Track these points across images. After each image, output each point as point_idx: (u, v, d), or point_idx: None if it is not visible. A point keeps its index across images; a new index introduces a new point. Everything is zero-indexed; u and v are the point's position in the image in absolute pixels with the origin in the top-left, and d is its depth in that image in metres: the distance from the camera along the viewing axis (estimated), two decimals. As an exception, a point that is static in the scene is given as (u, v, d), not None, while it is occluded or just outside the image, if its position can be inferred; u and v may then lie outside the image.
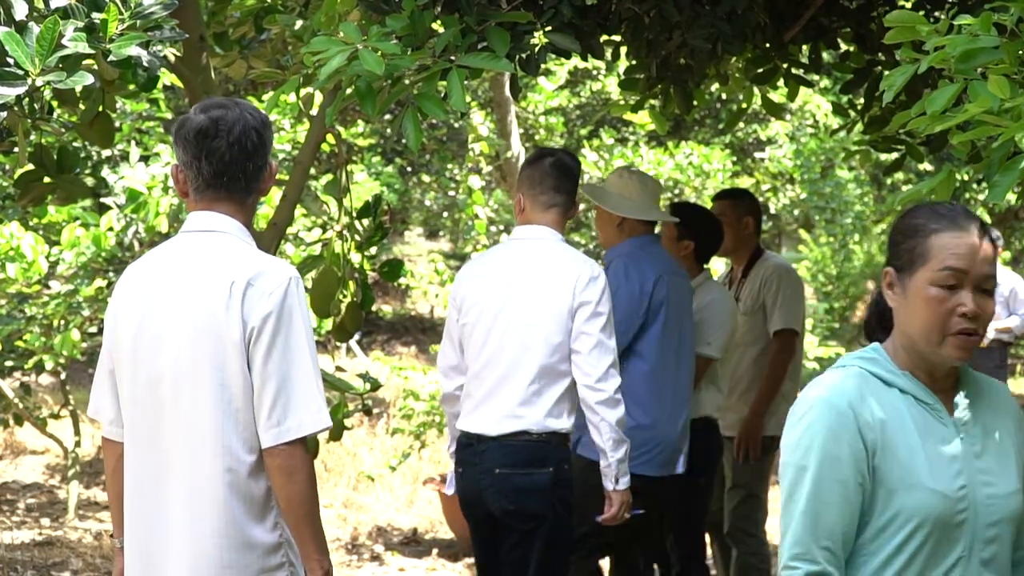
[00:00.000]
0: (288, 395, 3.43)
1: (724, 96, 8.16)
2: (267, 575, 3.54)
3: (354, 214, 6.40)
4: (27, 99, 5.05)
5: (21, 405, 9.72)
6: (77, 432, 10.12)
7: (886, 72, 4.15)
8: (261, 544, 3.53)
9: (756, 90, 7.07)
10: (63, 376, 10.13)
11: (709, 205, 7.55)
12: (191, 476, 3.55)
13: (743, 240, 7.05)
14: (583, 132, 20.22)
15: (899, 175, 15.76)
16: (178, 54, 5.60)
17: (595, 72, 20.30)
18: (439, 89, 4.48)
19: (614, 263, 5.99)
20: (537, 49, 5.00)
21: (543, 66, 5.83)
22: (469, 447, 5.32)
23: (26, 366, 9.33)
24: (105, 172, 8.72)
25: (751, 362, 6.92)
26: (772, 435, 6.74)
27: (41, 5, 4.58)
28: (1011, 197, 16.46)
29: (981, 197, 18.87)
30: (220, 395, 3.49)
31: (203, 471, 3.53)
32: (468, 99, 16.34)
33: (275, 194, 8.13)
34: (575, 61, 17.86)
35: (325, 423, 3.51)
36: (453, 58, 4.44)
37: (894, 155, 6.75)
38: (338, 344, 17.91)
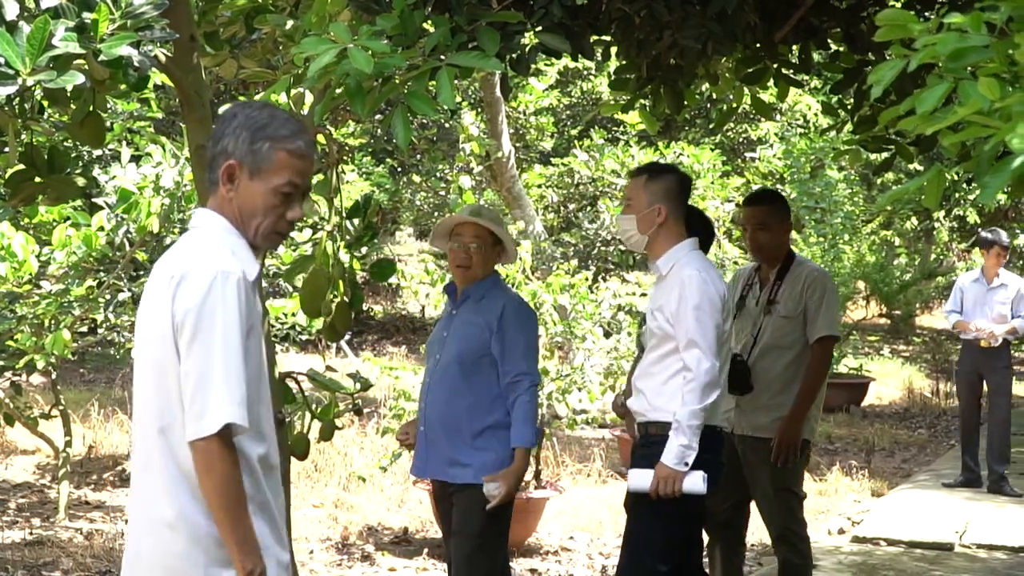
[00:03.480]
0: (206, 390, 3.44)
1: (714, 96, 8.15)
2: (217, 569, 3.54)
3: (344, 214, 6.40)
4: (18, 99, 5.05)
5: (12, 405, 9.71)
6: (68, 432, 10.11)
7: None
8: (208, 536, 3.53)
9: (746, 90, 7.08)
10: (54, 376, 10.11)
11: (701, 204, 7.53)
12: (145, 468, 3.64)
13: (782, 244, 6.93)
14: (573, 132, 20.27)
15: (889, 175, 15.81)
16: (169, 54, 5.59)
17: (585, 72, 20.34)
18: (429, 88, 4.48)
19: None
20: (527, 49, 5.01)
21: (533, 66, 5.84)
22: None
23: (17, 366, 9.31)
24: (96, 172, 8.74)
25: (785, 366, 6.79)
26: (806, 438, 6.77)
27: (32, 5, 4.58)
28: (1001, 197, 16.41)
29: (971, 197, 18.93)
30: (160, 388, 3.58)
31: (153, 464, 3.60)
32: (458, 99, 16.36)
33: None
34: (565, 61, 17.91)
35: (228, 418, 3.44)
36: (443, 57, 4.45)
37: (884, 155, 6.76)
38: (328, 344, 17.93)
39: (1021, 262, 24.46)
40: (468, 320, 6.02)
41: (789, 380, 6.76)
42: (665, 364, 5.64)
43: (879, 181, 18.91)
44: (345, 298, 6.14)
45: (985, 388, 11.95)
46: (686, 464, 5.44)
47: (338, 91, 4.53)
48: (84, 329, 10.44)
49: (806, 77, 9.18)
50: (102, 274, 9.31)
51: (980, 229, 22.15)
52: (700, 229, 6.16)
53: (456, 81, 4.48)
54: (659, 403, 5.62)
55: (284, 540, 3.74)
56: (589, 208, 18.75)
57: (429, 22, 4.66)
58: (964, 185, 18.23)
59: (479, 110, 16.01)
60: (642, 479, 5.54)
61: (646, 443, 5.69)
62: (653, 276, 5.98)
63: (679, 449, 5.44)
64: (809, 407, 6.77)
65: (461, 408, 5.98)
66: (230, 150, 3.64)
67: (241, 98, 13.68)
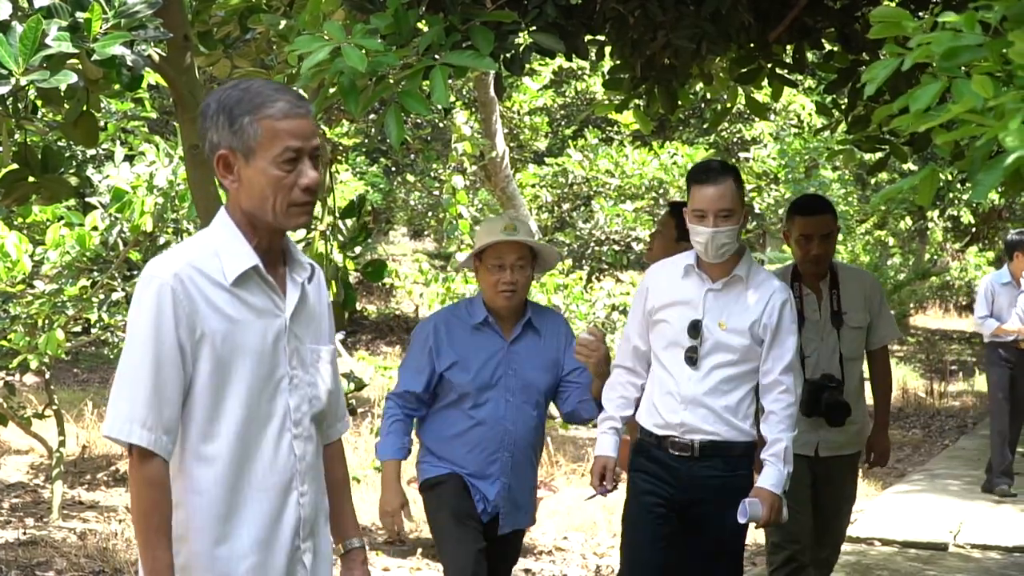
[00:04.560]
0: (112, 397, 3.33)
1: (708, 96, 8.14)
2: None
3: (338, 214, 6.40)
4: (11, 98, 5.04)
5: (5, 404, 9.70)
6: (61, 432, 10.10)
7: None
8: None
9: (740, 90, 7.09)
10: (47, 376, 10.10)
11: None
12: None
13: (832, 252, 6.58)
14: (568, 132, 20.27)
15: (883, 175, 15.79)
16: (162, 53, 5.59)
17: (580, 72, 20.33)
18: (423, 87, 4.48)
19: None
20: (522, 49, 5.01)
21: (528, 66, 5.83)
22: None
23: (10, 366, 9.30)
24: (90, 171, 8.72)
25: (859, 378, 6.62)
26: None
27: (25, 4, 4.58)
28: (994, 197, 16.39)
29: (965, 197, 18.94)
30: None
31: None
32: (452, 98, 16.36)
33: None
34: (559, 61, 17.90)
35: (113, 432, 3.29)
36: (437, 56, 4.45)
37: (878, 155, 6.77)
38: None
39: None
40: (539, 350, 5.70)
41: (859, 392, 6.60)
42: (743, 380, 5.29)
43: (873, 181, 18.91)
44: (338, 298, 6.14)
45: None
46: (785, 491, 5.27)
47: (332, 90, 4.53)
48: (78, 329, 10.42)
49: (800, 77, 9.19)
50: (96, 274, 9.30)
51: (981, 231, 22.15)
52: None
53: (450, 81, 4.48)
54: (736, 422, 5.28)
55: None
56: (583, 208, 18.74)
57: (423, 21, 4.66)
58: (958, 185, 18.22)
59: (473, 110, 15.98)
60: (756, 508, 5.19)
61: (733, 467, 5.34)
62: (704, 283, 5.36)
63: (786, 476, 5.24)
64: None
65: (538, 449, 5.83)
66: (216, 140, 3.39)
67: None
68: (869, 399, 6.77)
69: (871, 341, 6.60)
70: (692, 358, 5.27)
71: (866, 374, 6.77)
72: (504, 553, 5.78)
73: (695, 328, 5.27)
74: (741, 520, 5.21)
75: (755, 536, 8.69)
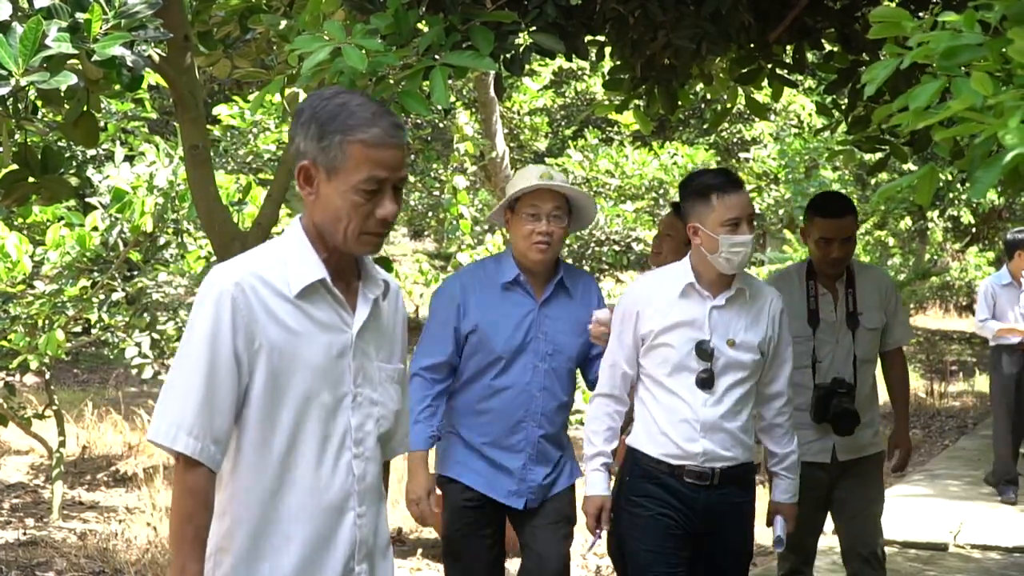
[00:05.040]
0: (161, 399, 3.24)
1: (708, 96, 8.13)
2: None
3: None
4: (11, 99, 5.05)
5: (5, 405, 9.70)
6: (61, 432, 10.11)
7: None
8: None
9: (740, 90, 7.08)
10: (48, 376, 10.11)
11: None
12: None
13: (852, 253, 6.31)
14: (568, 132, 20.27)
15: (883, 175, 15.79)
16: (162, 54, 5.60)
17: (580, 72, 20.34)
18: (423, 88, 4.48)
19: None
20: (522, 49, 5.01)
21: (528, 66, 5.82)
22: None
23: (10, 366, 9.30)
24: (90, 172, 8.71)
25: (873, 380, 6.39)
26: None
27: (25, 5, 4.58)
28: (993, 196, 16.34)
29: (965, 197, 18.94)
30: None
31: None
32: (453, 99, 16.36)
33: (260, 193, 8.13)
34: (560, 61, 17.91)
35: (158, 438, 3.19)
36: (437, 57, 4.45)
37: (878, 155, 6.77)
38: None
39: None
40: (570, 312, 5.40)
41: (873, 394, 6.41)
42: (749, 397, 5.07)
43: (873, 181, 18.89)
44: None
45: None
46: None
47: (332, 90, 4.53)
48: (78, 329, 10.42)
49: (800, 77, 9.20)
50: (96, 274, 9.30)
51: (981, 231, 22.15)
52: None
53: (450, 81, 4.48)
54: (748, 442, 5.08)
55: None
56: (583, 208, 18.72)
57: (423, 21, 4.66)
58: (958, 185, 18.22)
59: (473, 110, 16.00)
60: (782, 526, 5.20)
61: (745, 489, 5.13)
62: (706, 300, 5.04)
63: (797, 485, 5.24)
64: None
65: (564, 421, 5.58)
66: (302, 149, 3.25)
67: (236, 98, 13.71)
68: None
69: (886, 343, 6.42)
70: (707, 380, 4.96)
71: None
72: (546, 521, 5.47)
73: (704, 349, 4.96)
74: (781, 536, 5.20)
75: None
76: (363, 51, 4.21)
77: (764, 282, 5.32)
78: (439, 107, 4.37)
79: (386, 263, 6.68)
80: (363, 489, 3.38)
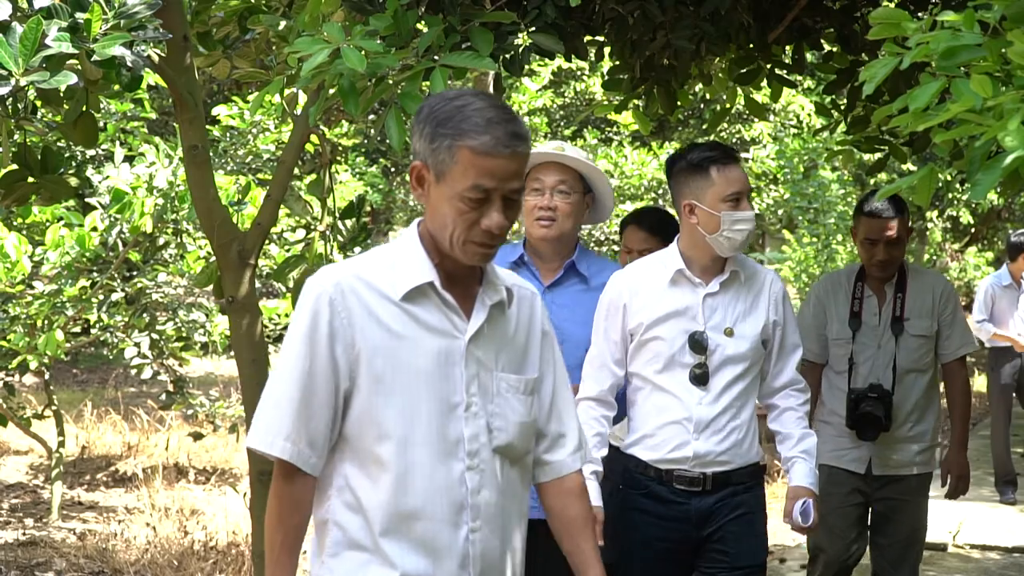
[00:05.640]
0: (260, 404, 3.19)
1: (707, 96, 8.12)
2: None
3: (338, 214, 6.40)
4: (11, 99, 5.05)
5: (5, 405, 9.70)
6: (61, 432, 10.12)
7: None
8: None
9: (739, 90, 7.08)
10: (47, 376, 10.12)
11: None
12: None
13: (901, 256, 6.14)
14: (567, 132, 20.23)
15: (882, 175, 15.79)
16: (162, 54, 5.59)
17: (579, 72, 20.32)
18: (422, 89, 4.48)
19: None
20: (521, 49, 5.00)
21: (527, 66, 5.82)
22: None
23: (10, 366, 9.30)
24: (89, 172, 8.72)
25: (923, 391, 6.18)
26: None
27: (24, 5, 4.57)
28: (993, 197, 16.33)
29: (964, 197, 18.95)
30: None
31: None
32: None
33: (259, 194, 8.13)
34: (559, 61, 17.89)
35: (256, 444, 3.14)
36: (437, 58, 4.45)
37: (877, 155, 6.76)
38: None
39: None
40: (582, 300, 4.96)
41: (925, 407, 6.20)
42: (751, 393, 4.72)
43: (872, 181, 18.88)
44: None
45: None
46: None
47: (331, 91, 4.53)
48: (77, 329, 10.42)
49: (799, 77, 9.19)
50: (95, 274, 9.30)
51: (980, 231, 22.15)
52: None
53: (449, 81, 4.48)
54: (750, 442, 4.71)
55: None
56: (583, 208, 18.71)
57: (422, 22, 4.66)
58: (957, 185, 18.23)
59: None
60: (810, 510, 4.67)
61: (749, 491, 4.74)
62: (698, 288, 4.70)
63: (817, 473, 4.76)
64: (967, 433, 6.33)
65: None
66: (417, 149, 3.14)
67: (235, 98, 13.69)
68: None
69: (942, 353, 6.18)
70: (701, 376, 4.60)
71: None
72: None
73: (698, 341, 4.59)
74: (806, 524, 4.67)
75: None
76: (362, 52, 4.20)
77: (768, 269, 4.88)
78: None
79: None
80: (479, 504, 3.20)
